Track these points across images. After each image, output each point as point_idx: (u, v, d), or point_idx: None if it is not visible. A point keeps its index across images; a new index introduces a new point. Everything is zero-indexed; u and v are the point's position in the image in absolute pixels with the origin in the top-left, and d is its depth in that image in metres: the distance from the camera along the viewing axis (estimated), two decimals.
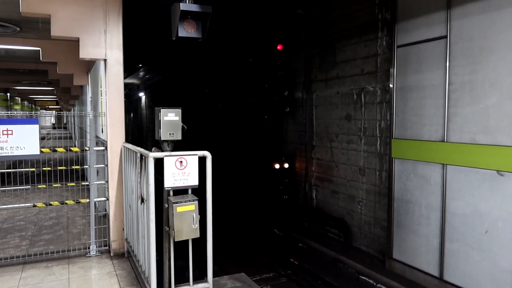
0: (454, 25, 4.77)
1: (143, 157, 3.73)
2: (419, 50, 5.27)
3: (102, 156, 5.32)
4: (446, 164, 4.90)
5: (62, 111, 27.81)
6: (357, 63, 6.76)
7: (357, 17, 6.73)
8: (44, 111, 39.33)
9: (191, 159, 3.60)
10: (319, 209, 7.90)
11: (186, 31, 4.41)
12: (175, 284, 3.66)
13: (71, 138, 24.23)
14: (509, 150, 4.19)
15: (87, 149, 5.17)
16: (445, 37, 4.87)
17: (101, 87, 6.08)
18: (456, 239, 4.81)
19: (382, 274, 5.74)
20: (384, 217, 6.14)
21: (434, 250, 5.08)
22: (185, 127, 3.73)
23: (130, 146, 4.53)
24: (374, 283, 5.84)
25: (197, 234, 3.58)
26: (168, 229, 3.62)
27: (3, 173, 5.03)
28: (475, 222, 4.58)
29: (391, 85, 5.75)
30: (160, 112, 3.63)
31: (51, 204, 4.98)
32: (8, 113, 4.78)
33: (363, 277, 6.09)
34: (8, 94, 18.29)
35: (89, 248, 5.05)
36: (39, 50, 8.19)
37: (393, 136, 5.71)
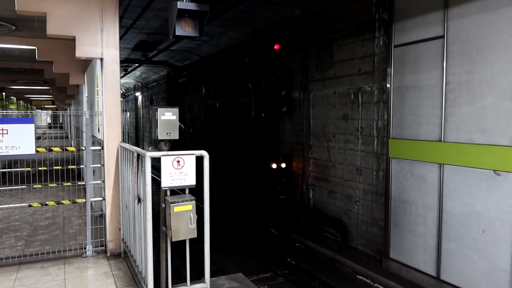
0: (451, 25, 4.78)
1: (140, 157, 3.71)
2: (416, 50, 5.28)
3: (99, 156, 5.29)
4: (443, 164, 4.91)
5: (58, 110, 27.68)
6: (354, 62, 6.77)
7: (354, 16, 6.73)
8: (40, 110, 39.15)
9: (188, 158, 3.58)
10: (316, 209, 7.90)
11: (183, 29, 4.39)
12: (172, 284, 3.64)
13: (67, 137, 24.12)
14: (506, 150, 4.20)
15: (83, 148, 5.14)
16: (442, 37, 4.88)
17: (97, 86, 6.05)
18: (453, 238, 4.82)
19: (379, 273, 5.75)
20: (381, 216, 6.14)
21: (431, 250, 5.09)
22: (182, 126, 3.71)
23: (126, 145, 4.50)
24: (371, 283, 5.85)
25: (194, 234, 3.56)
26: (165, 229, 3.60)
27: None
28: (472, 221, 4.59)
29: (388, 85, 5.76)
30: (157, 111, 3.61)
31: (46, 204, 4.94)
32: (3, 112, 4.74)
33: (360, 277, 6.10)
34: (4, 93, 18.18)
35: (85, 248, 5.01)
36: (35, 49, 8.14)
37: (390, 136, 5.72)
